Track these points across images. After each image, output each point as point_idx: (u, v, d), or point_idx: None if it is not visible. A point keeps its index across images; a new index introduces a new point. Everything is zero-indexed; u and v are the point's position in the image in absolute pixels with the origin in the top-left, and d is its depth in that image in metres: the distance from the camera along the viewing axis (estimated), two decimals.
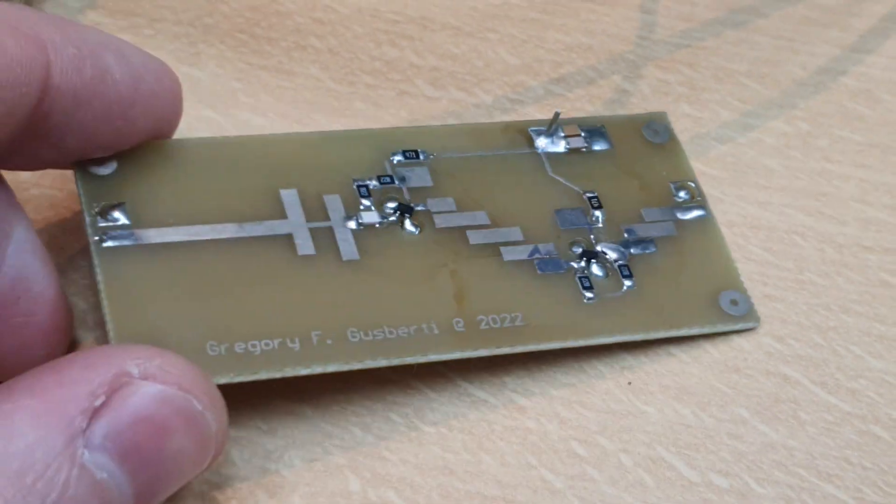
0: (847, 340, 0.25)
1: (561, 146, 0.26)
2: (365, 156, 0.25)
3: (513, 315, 0.23)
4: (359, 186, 0.24)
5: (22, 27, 0.21)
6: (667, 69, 0.29)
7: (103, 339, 0.24)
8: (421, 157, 0.25)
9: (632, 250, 0.25)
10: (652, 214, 0.26)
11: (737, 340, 0.25)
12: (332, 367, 0.22)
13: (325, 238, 0.23)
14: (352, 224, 0.24)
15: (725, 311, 0.25)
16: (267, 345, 0.22)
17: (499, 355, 0.23)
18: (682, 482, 0.23)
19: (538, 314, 0.24)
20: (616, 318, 0.24)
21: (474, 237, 0.24)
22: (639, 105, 0.28)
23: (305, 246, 0.23)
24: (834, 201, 0.27)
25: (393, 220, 0.24)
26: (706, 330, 0.25)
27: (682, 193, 0.26)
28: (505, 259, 0.24)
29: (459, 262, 0.24)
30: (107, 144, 0.22)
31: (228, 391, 0.21)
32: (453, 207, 0.24)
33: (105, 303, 0.21)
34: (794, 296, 0.26)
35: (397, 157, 0.25)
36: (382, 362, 0.22)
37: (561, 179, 0.25)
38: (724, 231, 0.26)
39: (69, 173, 0.23)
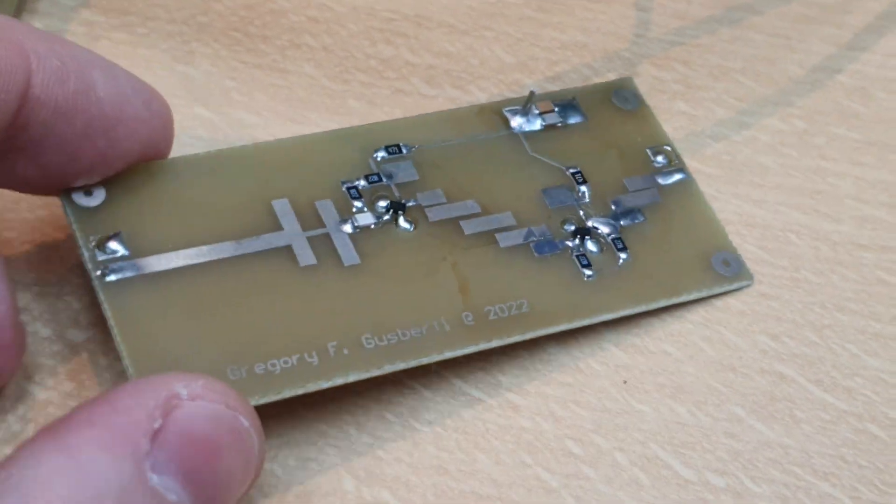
0: (843, 339, 0.25)
1: (537, 124, 0.26)
2: (348, 155, 0.25)
3: (518, 302, 0.24)
4: (348, 189, 0.24)
5: (5, 35, 0.21)
6: (662, 67, 0.29)
7: (97, 339, 0.24)
8: (403, 150, 0.25)
9: (622, 222, 0.25)
10: (635, 183, 0.26)
11: (732, 339, 0.25)
12: (353, 377, 0.22)
13: (324, 246, 0.23)
14: (347, 228, 0.24)
15: (719, 273, 0.25)
16: (286, 362, 0.22)
17: (496, 350, 0.24)
18: (678, 481, 0.23)
19: (542, 298, 0.24)
20: (617, 292, 0.24)
21: (468, 227, 0.24)
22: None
23: (306, 256, 0.23)
24: (829, 199, 0.27)
25: (387, 220, 0.24)
26: (704, 293, 0.25)
27: (659, 158, 0.26)
28: (502, 246, 0.24)
29: (458, 254, 0.24)
30: (89, 165, 0.22)
31: None
32: (443, 199, 0.24)
33: (119, 339, 0.21)
34: (790, 294, 0.26)
35: (380, 154, 0.25)
36: (401, 365, 0.22)
37: (542, 158, 0.26)
38: None
39: None
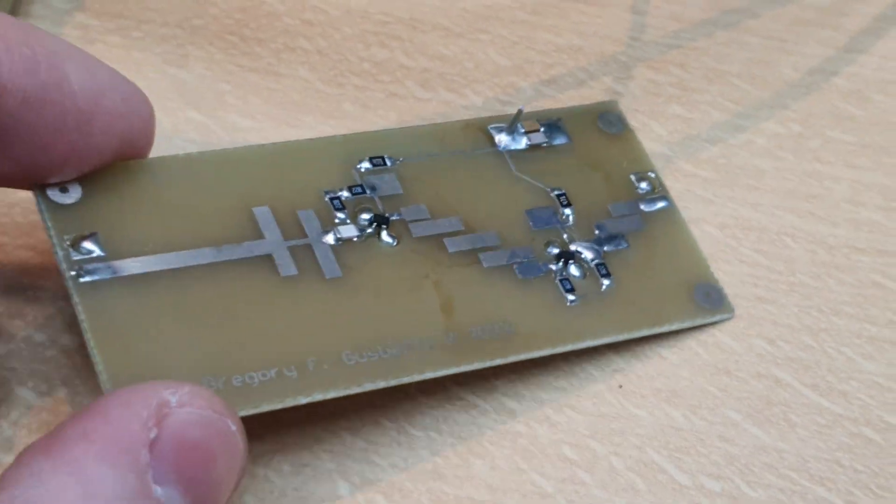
0: (838, 342, 0.25)
1: (522, 143, 0.26)
2: (332, 164, 0.24)
3: (501, 324, 0.23)
4: (332, 199, 0.24)
5: None
6: (658, 70, 0.29)
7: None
8: (388, 162, 0.25)
9: (605, 248, 0.25)
10: (619, 209, 0.26)
11: (727, 342, 0.25)
12: (332, 394, 0.22)
13: (305, 257, 0.23)
14: (329, 239, 0.23)
15: (701, 305, 0.25)
16: (264, 375, 0.21)
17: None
18: (674, 485, 0.23)
19: (525, 321, 0.24)
20: (600, 318, 0.24)
21: (452, 245, 0.24)
22: (629, 106, 0.28)
23: (287, 266, 0.23)
24: (825, 202, 0.27)
25: (370, 233, 0.24)
26: (686, 325, 0.25)
27: (643, 185, 0.26)
28: (485, 266, 0.24)
29: (441, 272, 0.24)
30: (61, 160, 0.22)
31: None
32: (427, 215, 0.24)
33: (92, 343, 0.21)
34: (785, 298, 0.26)
35: (364, 165, 0.24)
36: (381, 384, 0.22)
37: (527, 178, 0.25)
38: (716, 233, 0.26)
39: None
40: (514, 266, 0.24)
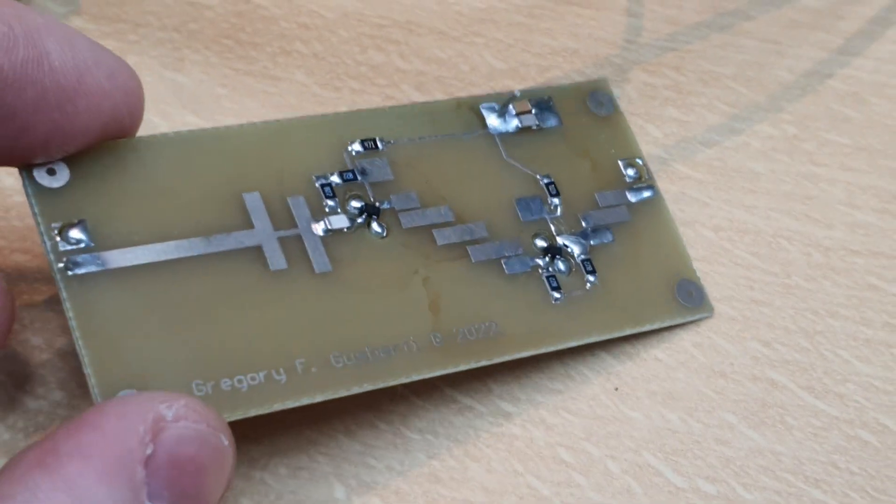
0: (834, 345, 0.25)
1: (512, 125, 0.26)
2: (323, 145, 0.24)
3: (487, 324, 0.23)
4: (322, 186, 0.23)
5: None
6: (653, 73, 0.29)
7: None
8: (379, 145, 0.24)
9: (591, 242, 0.25)
10: (605, 199, 0.26)
11: (723, 345, 0.25)
12: (320, 397, 0.22)
13: (295, 249, 0.23)
14: (319, 229, 0.23)
15: (682, 303, 0.25)
16: (253, 379, 0.21)
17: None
18: (670, 488, 0.23)
19: (511, 321, 0.24)
20: (583, 318, 0.24)
21: (441, 237, 0.24)
22: (626, 109, 0.28)
23: (276, 260, 0.22)
24: (821, 205, 0.27)
25: (360, 223, 0.24)
26: (666, 323, 0.25)
27: (630, 171, 0.26)
28: (473, 260, 0.24)
29: (430, 267, 0.24)
30: (43, 139, 0.21)
31: None
32: (417, 203, 0.24)
33: (80, 343, 0.20)
34: (781, 300, 0.26)
35: (356, 147, 0.24)
36: (367, 387, 0.22)
37: (516, 164, 0.25)
38: (711, 235, 0.26)
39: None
40: (502, 261, 0.24)
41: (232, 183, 0.23)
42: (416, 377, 0.22)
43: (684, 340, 0.25)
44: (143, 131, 0.23)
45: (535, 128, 0.26)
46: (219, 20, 0.29)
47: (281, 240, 0.23)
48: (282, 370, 0.21)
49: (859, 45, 0.30)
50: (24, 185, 0.21)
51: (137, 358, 0.21)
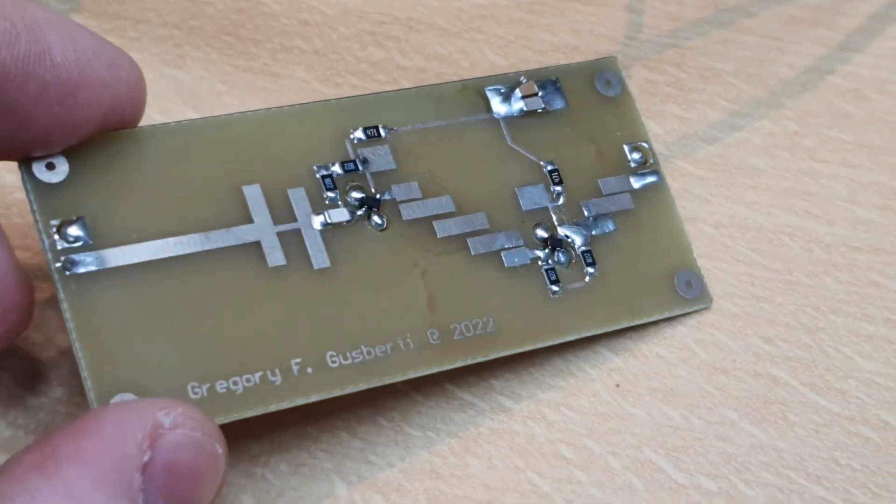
0: (836, 341, 0.25)
1: (517, 108, 0.26)
2: (324, 133, 0.24)
3: (484, 320, 0.23)
4: (323, 177, 0.23)
5: None
6: (654, 69, 0.29)
7: None
8: (382, 132, 0.24)
9: (593, 231, 0.25)
10: (609, 186, 0.26)
11: (725, 341, 0.25)
12: (315, 398, 0.22)
13: (294, 244, 0.22)
14: (318, 223, 0.23)
15: (681, 295, 0.25)
16: (248, 381, 0.21)
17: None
18: (671, 484, 0.23)
19: (508, 316, 0.24)
20: (581, 311, 0.24)
21: (441, 229, 0.24)
22: None
23: (275, 256, 0.22)
24: (822, 201, 0.27)
25: (360, 215, 0.23)
26: (665, 315, 0.25)
27: (635, 156, 0.26)
28: (473, 253, 0.24)
29: (429, 260, 0.23)
30: (45, 133, 0.21)
31: None
32: (418, 194, 0.24)
33: (77, 345, 0.20)
34: (783, 296, 0.26)
35: (358, 135, 0.24)
36: (362, 386, 0.22)
37: (521, 150, 0.25)
38: (712, 231, 0.26)
39: None
40: (502, 253, 0.24)
41: (232, 174, 0.23)
42: (412, 375, 0.22)
43: (686, 337, 0.25)
44: None
45: (540, 111, 0.26)
46: (219, 17, 0.29)
47: (280, 235, 0.22)
48: (277, 371, 0.21)
49: (860, 42, 0.30)
50: (24, 181, 0.21)
51: (133, 361, 0.21)
